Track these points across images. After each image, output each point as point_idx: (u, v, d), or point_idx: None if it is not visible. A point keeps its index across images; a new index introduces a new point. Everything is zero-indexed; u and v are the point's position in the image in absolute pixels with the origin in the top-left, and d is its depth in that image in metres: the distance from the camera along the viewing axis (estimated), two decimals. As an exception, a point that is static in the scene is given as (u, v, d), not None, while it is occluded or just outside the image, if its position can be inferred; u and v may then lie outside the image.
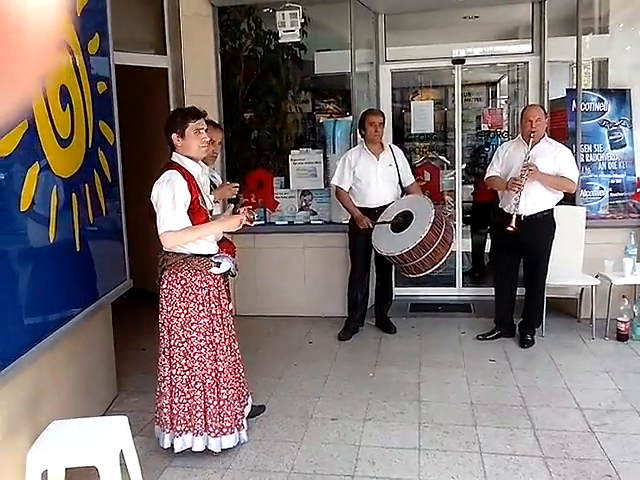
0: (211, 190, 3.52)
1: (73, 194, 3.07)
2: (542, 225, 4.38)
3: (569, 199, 4.87)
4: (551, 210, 4.40)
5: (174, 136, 2.93)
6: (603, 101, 5.38)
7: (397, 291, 5.61)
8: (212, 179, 3.67)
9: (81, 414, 2.91)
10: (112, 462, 2.46)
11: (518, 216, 4.26)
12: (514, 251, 4.51)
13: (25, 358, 2.53)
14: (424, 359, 4.37)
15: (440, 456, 3.05)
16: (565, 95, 5.42)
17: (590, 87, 5.67)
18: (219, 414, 2.99)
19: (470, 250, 6.44)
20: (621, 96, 5.42)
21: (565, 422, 3.36)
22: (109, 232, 3.70)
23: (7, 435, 2.53)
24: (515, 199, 4.26)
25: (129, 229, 3.92)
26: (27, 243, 2.69)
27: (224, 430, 3.00)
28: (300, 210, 5.60)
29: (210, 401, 2.98)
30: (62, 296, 3.00)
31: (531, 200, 4.31)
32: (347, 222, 4.96)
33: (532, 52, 5.49)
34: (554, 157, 4.32)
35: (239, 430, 3.09)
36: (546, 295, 4.62)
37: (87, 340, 3.41)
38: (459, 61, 5.64)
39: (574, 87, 5.29)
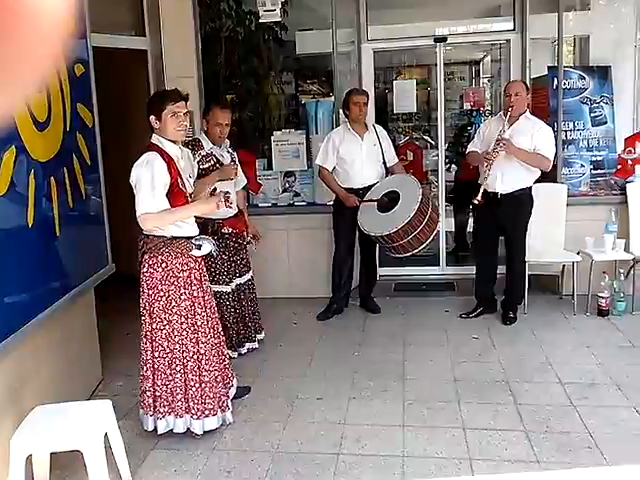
0: (216, 168, 3.81)
1: (52, 178, 3.03)
2: (519, 203, 4.41)
3: (550, 177, 4.89)
4: (529, 188, 4.43)
5: (152, 118, 2.92)
6: (584, 78, 5.38)
7: (381, 271, 5.62)
8: (220, 157, 3.89)
9: (65, 399, 2.90)
10: (97, 446, 2.47)
11: (487, 190, 4.32)
12: (494, 229, 4.55)
13: (6, 344, 2.51)
14: (408, 338, 4.40)
15: (424, 432, 3.09)
16: (547, 73, 5.42)
17: (572, 64, 5.67)
18: (201, 396, 3.00)
19: (453, 229, 6.45)
20: (602, 73, 5.43)
21: (547, 397, 3.42)
22: (89, 216, 3.67)
23: (-10, 421, 2.52)
24: (485, 172, 4.28)
25: (114, 214, 3.88)
26: (4, 228, 2.66)
27: (206, 412, 3.01)
28: (283, 192, 5.58)
29: (192, 383, 2.99)
30: (42, 281, 2.98)
31: (508, 178, 4.33)
32: (331, 203, 4.95)
33: (514, 30, 5.45)
34: (532, 134, 4.32)
35: (223, 411, 3.11)
36: (528, 272, 4.67)
37: (69, 325, 3.39)
38: (441, 39, 5.59)
39: (556, 64, 5.29)
